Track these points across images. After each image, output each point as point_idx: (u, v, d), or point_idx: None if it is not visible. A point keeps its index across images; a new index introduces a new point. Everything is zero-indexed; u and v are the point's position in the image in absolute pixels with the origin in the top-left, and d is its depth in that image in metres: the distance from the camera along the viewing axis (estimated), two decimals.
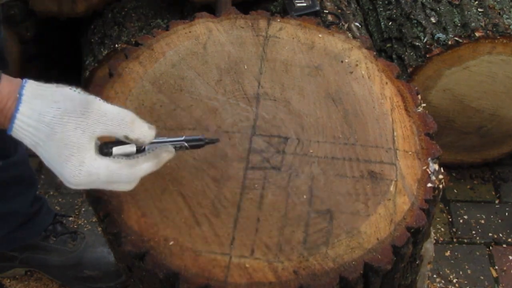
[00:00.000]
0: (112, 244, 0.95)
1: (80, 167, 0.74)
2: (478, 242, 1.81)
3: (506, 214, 1.89)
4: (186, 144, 0.84)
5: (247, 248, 0.84)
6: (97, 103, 0.76)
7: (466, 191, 1.96)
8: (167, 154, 0.80)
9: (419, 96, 1.03)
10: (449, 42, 1.59)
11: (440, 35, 1.61)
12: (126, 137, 0.77)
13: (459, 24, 1.63)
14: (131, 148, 0.79)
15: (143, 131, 0.78)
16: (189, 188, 0.89)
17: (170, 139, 0.83)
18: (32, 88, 0.76)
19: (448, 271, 1.73)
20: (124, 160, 0.77)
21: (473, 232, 1.84)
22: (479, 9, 1.67)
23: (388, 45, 1.77)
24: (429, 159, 0.94)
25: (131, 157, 0.78)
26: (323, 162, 0.93)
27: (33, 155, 0.83)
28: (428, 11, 1.70)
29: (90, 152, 0.75)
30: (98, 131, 0.75)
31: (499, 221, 1.87)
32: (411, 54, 1.66)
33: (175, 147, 0.83)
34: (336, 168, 0.93)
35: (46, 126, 0.74)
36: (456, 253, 1.78)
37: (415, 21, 1.70)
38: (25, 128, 0.75)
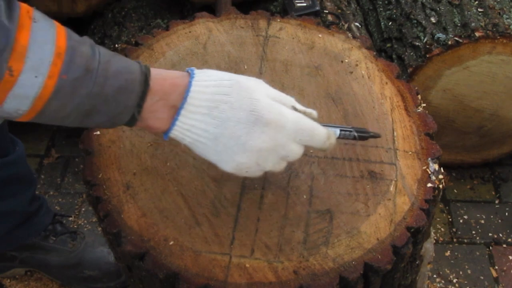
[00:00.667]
0: (112, 244, 0.95)
1: (273, 105, 0.75)
2: (478, 242, 1.81)
3: (506, 214, 1.89)
4: (355, 134, 0.86)
5: (247, 248, 0.84)
6: (265, 83, 0.80)
7: (466, 191, 1.96)
8: (334, 136, 0.82)
9: (419, 96, 1.03)
10: (449, 42, 1.59)
11: (440, 35, 1.61)
12: (294, 108, 0.79)
13: (459, 24, 1.63)
14: (335, 132, 0.85)
15: (308, 108, 0.82)
16: (189, 188, 0.89)
17: (341, 126, 0.87)
18: (198, 69, 0.77)
19: (448, 271, 1.73)
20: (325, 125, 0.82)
21: (473, 232, 1.84)
22: (479, 9, 1.67)
23: (388, 45, 1.77)
24: (429, 159, 0.94)
25: None
26: (323, 162, 0.93)
27: (31, 155, 0.83)
28: (428, 11, 1.70)
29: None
30: (271, 96, 0.77)
31: (499, 221, 1.87)
32: (411, 54, 1.66)
33: (344, 135, 0.86)
34: (336, 168, 0.93)
35: (228, 80, 0.75)
36: (456, 253, 1.78)
37: (415, 21, 1.70)
38: (203, 90, 0.74)
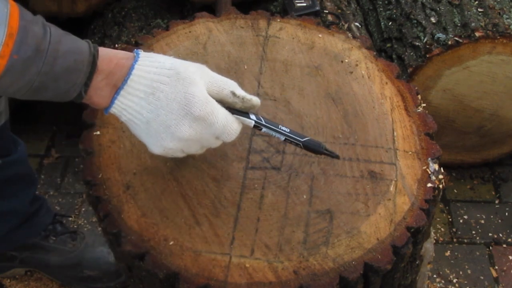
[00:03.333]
0: (112, 244, 0.95)
1: (206, 103, 0.78)
2: (478, 242, 1.81)
3: (506, 214, 1.89)
4: (301, 145, 0.86)
5: (247, 248, 0.84)
6: (207, 68, 0.83)
7: (466, 191, 1.96)
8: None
9: (419, 96, 1.03)
10: (449, 42, 1.59)
11: (440, 35, 1.61)
12: (233, 93, 0.82)
13: (459, 24, 1.63)
14: (249, 123, 0.84)
15: (250, 95, 0.84)
16: (189, 188, 0.89)
17: (290, 134, 0.86)
18: (144, 52, 0.81)
19: (448, 271, 1.73)
20: (240, 118, 0.83)
21: (473, 232, 1.84)
22: (479, 9, 1.67)
23: (388, 45, 1.77)
24: (429, 159, 0.94)
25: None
26: (323, 162, 0.93)
27: (31, 155, 0.84)
28: (428, 11, 1.70)
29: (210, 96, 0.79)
30: (211, 82, 0.80)
31: (499, 221, 1.87)
32: (411, 54, 1.66)
33: (290, 142, 0.86)
34: (336, 168, 0.93)
35: (169, 69, 0.78)
36: (456, 253, 1.78)
37: (415, 21, 1.70)
38: (144, 75, 0.78)
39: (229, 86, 0.82)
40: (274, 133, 0.86)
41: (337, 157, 0.87)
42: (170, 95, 0.77)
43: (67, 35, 0.77)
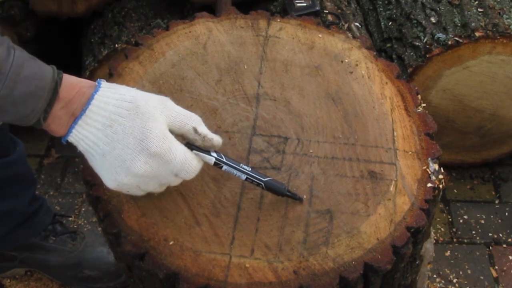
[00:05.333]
0: (112, 244, 0.95)
1: (164, 139, 0.76)
2: (478, 242, 1.81)
3: (506, 214, 1.89)
4: (263, 185, 0.85)
5: (247, 248, 0.84)
6: (170, 101, 0.80)
7: (466, 191, 1.96)
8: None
9: (419, 96, 1.03)
10: (449, 42, 1.59)
11: (440, 35, 1.61)
12: (195, 130, 0.80)
13: (459, 24, 1.63)
14: (210, 160, 0.82)
15: (211, 133, 0.82)
16: (189, 188, 0.89)
17: (251, 173, 0.84)
18: (107, 83, 0.80)
19: (448, 271, 1.73)
20: (200, 155, 0.81)
21: (473, 232, 1.84)
22: (479, 9, 1.67)
23: (388, 45, 1.77)
24: (429, 159, 0.94)
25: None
26: (323, 162, 0.93)
27: (31, 155, 0.84)
28: (428, 11, 1.70)
29: (169, 132, 0.78)
30: (173, 117, 0.78)
31: (499, 221, 1.87)
32: (411, 54, 1.66)
33: (252, 182, 0.85)
34: (336, 168, 0.93)
35: (128, 102, 0.77)
36: (456, 253, 1.78)
37: (415, 21, 1.70)
38: (103, 106, 0.76)
39: (192, 122, 0.80)
40: (235, 172, 0.84)
41: (300, 200, 0.87)
42: (127, 129, 0.75)
43: (32, 60, 0.76)
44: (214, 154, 0.83)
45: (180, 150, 0.78)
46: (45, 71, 0.76)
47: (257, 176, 0.85)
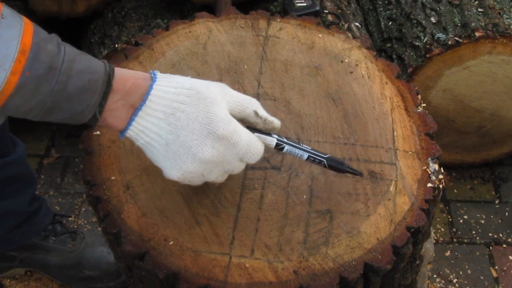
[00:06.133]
0: (112, 244, 0.95)
1: (229, 122, 0.76)
2: (478, 242, 1.81)
3: (506, 214, 1.89)
4: (325, 162, 0.85)
5: (247, 248, 0.84)
6: (228, 87, 0.80)
7: (466, 191, 1.96)
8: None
9: (419, 96, 1.03)
10: (449, 42, 1.59)
11: (440, 35, 1.61)
12: (256, 113, 0.79)
13: (459, 24, 1.63)
14: (271, 142, 0.82)
15: (271, 116, 0.82)
16: (189, 188, 0.89)
17: (312, 151, 0.84)
18: (162, 74, 0.79)
19: (448, 271, 1.73)
20: (261, 137, 0.81)
21: (473, 232, 1.84)
22: (479, 9, 1.67)
23: (388, 45, 1.77)
24: (429, 159, 0.94)
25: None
26: None
27: (31, 155, 0.83)
28: (428, 11, 1.70)
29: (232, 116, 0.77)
30: (233, 101, 0.78)
31: (499, 221, 1.87)
32: (411, 54, 1.66)
33: (313, 160, 0.85)
34: None
35: (189, 89, 0.76)
36: (456, 253, 1.78)
37: (415, 21, 1.70)
38: (163, 95, 0.75)
39: (251, 105, 0.80)
40: (297, 151, 0.84)
41: (360, 174, 0.87)
42: (191, 115, 0.74)
43: (82, 54, 0.75)
44: (276, 136, 0.83)
45: (245, 132, 0.78)
46: (97, 65, 0.75)
47: (319, 154, 0.84)
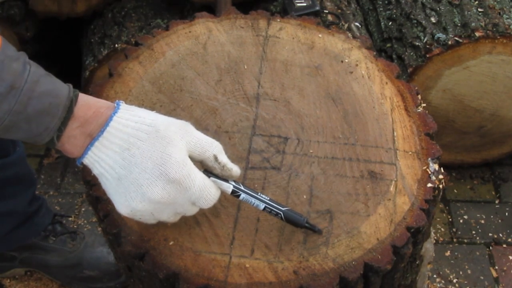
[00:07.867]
0: (112, 244, 0.95)
1: (183, 165, 0.74)
2: (478, 242, 1.81)
3: (506, 214, 1.89)
4: (281, 215, 0.83)
5: (247, 248, 0.84)
6: (191, 126, 0.78)
7: (466, 191, 1.96)
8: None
9: (419, 96, 1.03)
10: (449, 42, 1.59)
11: (440, 35, 1.61)
12: (216, 157, 0.77)
13: (459, 24, 1.63)
14: (227, 188, 0.80)
15: (231, 162, 0.80)
16: None
17: (270, 202, 0.82)
18: (126, 105, 0.78)
19: (448, 271, 1.73)
20: (217, 182, 0.79)
21: (473, 232, 1.84)
22: (479, 9, 1.67)
23: (388, 45, 1.77)
24: (429, 159, 0.94)
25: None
26: (323, 162, 0.93)
27: (31, 155, 0.83)
28: (428, 11, 1.70)
29: (189, 159, 0.75)
30: (193, 142, 0.76)
31: (499, 221, 1.87)
32: (411, 54, 1.66)
33: (270, 211, 0.83)
34: (336, 168, 0.93)
35: (148, 126, 0.75)
36: (456, 253, 1.78)
37: (415, 21, 1.70)
38: (122, 128, 0.74)
39: (212, 149, 0.77)
40: (253, 201, 0.82)
41: (319, 232, 0.84)
42: (146, 153, 0.73)
43: (48, 76, 0.74)
44: (232, 182, 0.81)
45: (200, 177, 0.75)
46: (61, 89, 0.74)
47: (277, 206, 0.82)
